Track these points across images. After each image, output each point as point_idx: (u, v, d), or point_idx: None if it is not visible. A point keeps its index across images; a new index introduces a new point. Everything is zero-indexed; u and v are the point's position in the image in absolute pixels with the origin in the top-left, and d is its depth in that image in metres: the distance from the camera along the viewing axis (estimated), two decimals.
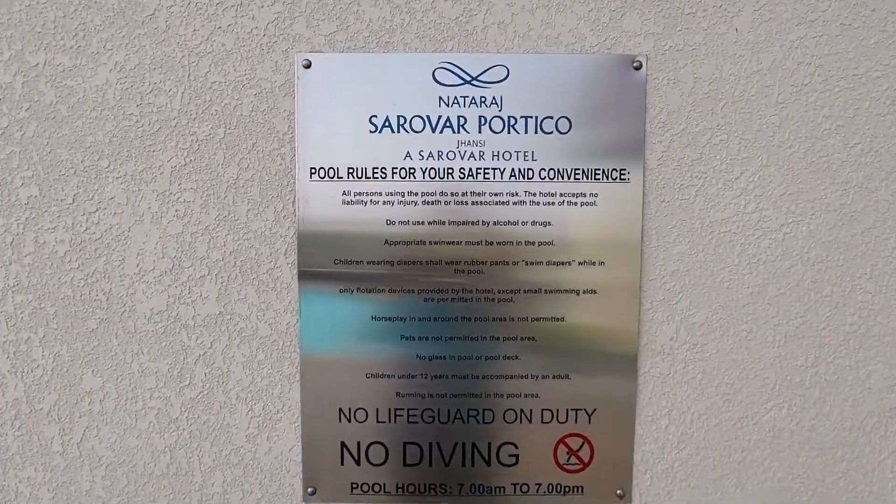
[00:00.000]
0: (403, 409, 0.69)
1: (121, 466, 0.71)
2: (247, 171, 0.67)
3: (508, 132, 0.67)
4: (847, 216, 0.69)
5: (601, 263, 0.68)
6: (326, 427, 0.69)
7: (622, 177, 0.68)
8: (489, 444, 0.70)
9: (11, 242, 0.67)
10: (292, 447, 0.70)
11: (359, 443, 0.70)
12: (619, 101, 0.67)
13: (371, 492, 0.70)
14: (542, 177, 0.67)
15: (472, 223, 0.67)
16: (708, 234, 0.69)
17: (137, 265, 0.68)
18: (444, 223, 0.67)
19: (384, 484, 0.70)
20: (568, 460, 0.70)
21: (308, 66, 0.66)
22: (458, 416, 0.70)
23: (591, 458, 0.70)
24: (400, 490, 0.70)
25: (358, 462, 0.70)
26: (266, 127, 0.67)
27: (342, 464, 0.70)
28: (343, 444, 0.70)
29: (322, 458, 0.70)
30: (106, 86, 0.66)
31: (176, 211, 0.68)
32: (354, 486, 0.70)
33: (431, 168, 0.67)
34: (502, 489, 0.70)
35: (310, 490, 0.70)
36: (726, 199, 0.69)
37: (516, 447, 0.70)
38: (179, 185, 0.67)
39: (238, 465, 0.71)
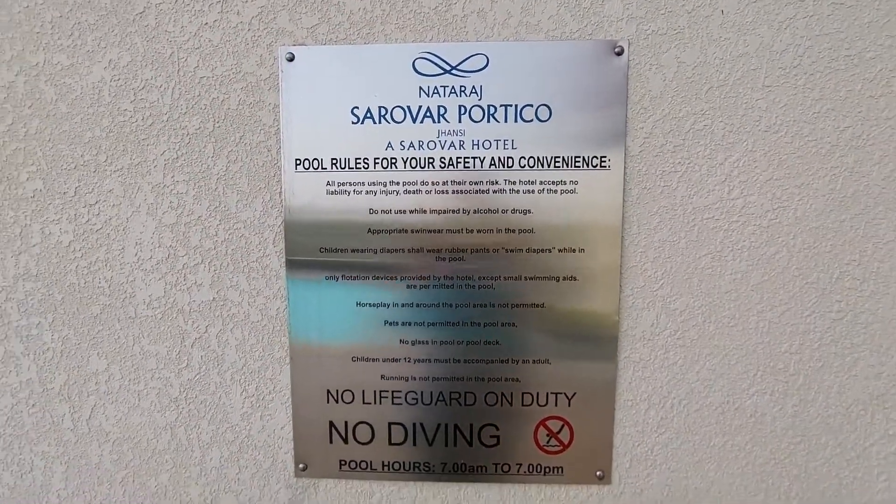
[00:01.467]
0: (388, 391, 0.72)
1: (126, 442, 0.75)
2: (235, 164, 0.70)
3: (488, 121, 0.67)
4: (836, 201, 0.68)
5: (581, 250, 0.69)
6: (315, 407, 0.73)
7: (603, 164, 0.68)
8: (471, 425, 0.72)
9: (20, 234, 0.72)
10: (284, 426, 0.74)
11: (346, 422, 0.73)
12: (600, 87, 0.67)
13: (358, 469, 0.74)
14: (522, 165, 0.68)
15: (453, 212, 0.69)
16: (690, 220, 0.69)
17: (136, 254, 0.72)
18: (425, 212, 0.69)
19: (371, 462, 0.73)
20: (548, 442, 0.72)
21: (291, 59, 0.67)
22: (441, 398, 0.72)
23: (571, 440, 0.72)
24: (385, 467, 0.73)
25: (346, 441, 0.73)
26: (252, 120, 0.69)
27: (331, 442, 0.73)
28: (331, 424, 0.73)
29: (312, 436, 0.73)
30: (101, 83, 0.69)
31: (170, 202, 0.71)
32: (343, 462, 0.74)
33: (412, 158, 0.68)
34: (484, 468, 0.73)
35: (301, 466, 0.74)
36: (710, 185, 0.68)
37: (497, 429, 0.72)
38: (172, 177, 0.70)
39: (234, 441, 0.75)
